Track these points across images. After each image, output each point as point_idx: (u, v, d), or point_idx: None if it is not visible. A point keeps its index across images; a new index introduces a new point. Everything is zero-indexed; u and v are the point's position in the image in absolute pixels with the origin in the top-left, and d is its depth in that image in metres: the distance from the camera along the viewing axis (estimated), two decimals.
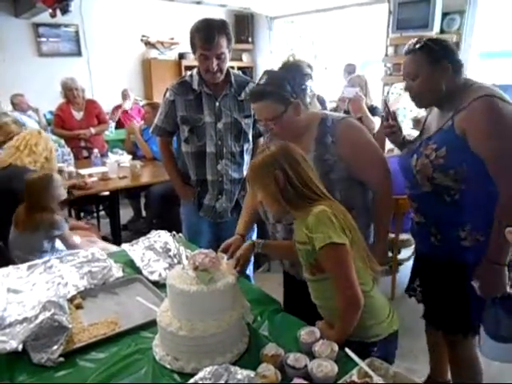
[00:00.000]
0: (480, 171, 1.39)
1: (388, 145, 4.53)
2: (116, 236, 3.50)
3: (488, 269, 1.41)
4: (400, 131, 1.70)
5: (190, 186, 2.17)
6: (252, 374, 1.03)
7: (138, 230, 3.75)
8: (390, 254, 2.92)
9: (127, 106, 5.42)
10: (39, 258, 1.88)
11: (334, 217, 1.18)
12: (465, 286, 1.49)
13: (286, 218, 1.50)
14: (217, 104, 2.00)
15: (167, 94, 2.08)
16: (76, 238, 2.45)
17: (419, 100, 1.55)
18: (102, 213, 4.05)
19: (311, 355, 1.15)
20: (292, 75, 1.45)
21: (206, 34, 1.84)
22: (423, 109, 1.77)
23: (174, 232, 1.46)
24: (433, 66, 1.45)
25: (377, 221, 1.61)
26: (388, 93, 5.15)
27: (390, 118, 1.69)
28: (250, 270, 2.26)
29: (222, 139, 2.02)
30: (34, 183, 2.28)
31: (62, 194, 2.40)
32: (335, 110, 3.60)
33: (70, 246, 2.34)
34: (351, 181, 1.51)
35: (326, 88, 5.95)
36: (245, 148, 2.11)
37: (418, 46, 1.46)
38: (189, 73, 2.08)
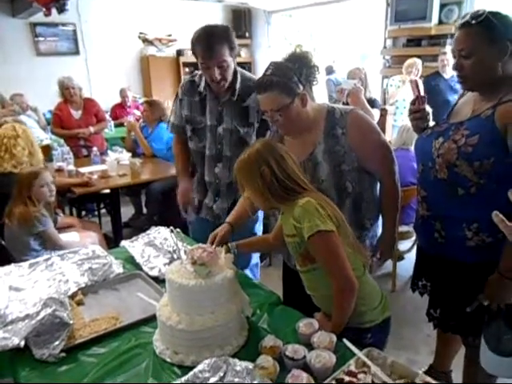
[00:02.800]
0: (507, 171, 1.31)
1: (387, 137, 4.52)
2: (117, 233, 3.51)
3: (499, 282, 1.37)
4: (427, 117, 1.56)
5: (192, 197, 2.15)
6: (251, 365, 1.04)
7: (139, 227, 3.76)
8: None
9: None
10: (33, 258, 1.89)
11: (320, 206, 1.21)
12: (470, 286, 1.45)
13: None
14: (219, 108, 1.98)
15: (178, 92, 2.08)
16: (73, 235, 2.45)
17: (469, 81, 1.39)
18: (103, 211, 4.07)
19: (310, 347, 1.16)
20: (299, 66, 1.43)
21: (206, 42, 1.80)
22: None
23: (172, 227, 1.46)
24: (491, 45, 1.30)
25: (383, 210, 1.62)
26: (387, 85, 5.13)
27: (419, 101, 1.55)
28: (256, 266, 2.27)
29: (221, 143, 2.01)
30: (21, 177, 2.34)
31: (46, 193, 2.40)
32: (334, 102, 3.60)
33: (55, 245, 2.35)
34: (361, 172, 1.51)
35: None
36: None
37: (477, 19, 1.29)
38: (199, 72, 2.02)
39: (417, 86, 1.56)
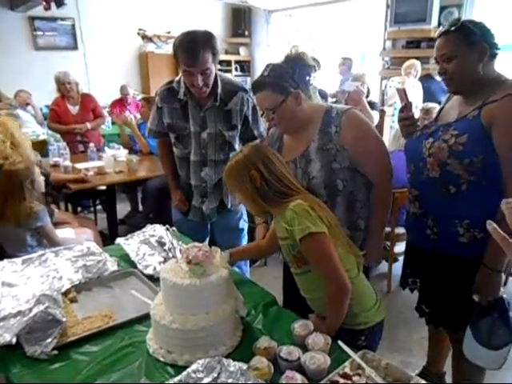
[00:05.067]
0: (495, 168, 1.36)
1: (385, 139, 4.53)
2: (113, 230, 3.49)
3: (485, 275, 1.40)
4: (416, 123, 1.63)
5: (182, 196, 2.16)
6: (244, 366, 1.03)
7: (135, 224, 3.75)
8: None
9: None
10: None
11: (310, 208, 1.22)
12: (462, 281, 1.47)
13: None
14: (201, 114, 1.97)
15: (156, 99, 2.07)
16: (68, 231, 2.43)
17: (453, 84, 1.47)
18: (99, 207, 4.05)
19: (305, 348, 1.15)
20: (292, 66, 1.47)
21: (190, 50, 1.76)
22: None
23: (168, 226, 1.45)
24: (470, 48, 1.39)
25: (372, 215, 1.60)
26: (386, 86, 5.13)
27: (407, 108, 1.62)
28: (246, 264, 2.27)
29: (206, 148, 2.00)
30: (9, 176, 2.25)
31: (41, 181, 2.39)
32: (335, 102, 3.60)
33: (52, 241, 2.31)
34: (354, 171, 1.51)
35: (324, 82, 5.93)
36: (230, 156, 2.03)
37: (455, 26, 1.40)
38: (177, 78, 2.00)
39: (405, 94, 1.63)
